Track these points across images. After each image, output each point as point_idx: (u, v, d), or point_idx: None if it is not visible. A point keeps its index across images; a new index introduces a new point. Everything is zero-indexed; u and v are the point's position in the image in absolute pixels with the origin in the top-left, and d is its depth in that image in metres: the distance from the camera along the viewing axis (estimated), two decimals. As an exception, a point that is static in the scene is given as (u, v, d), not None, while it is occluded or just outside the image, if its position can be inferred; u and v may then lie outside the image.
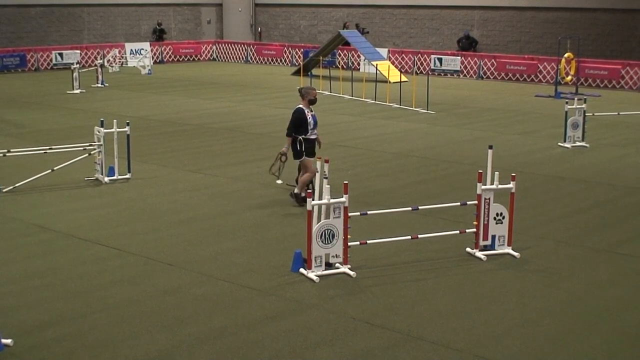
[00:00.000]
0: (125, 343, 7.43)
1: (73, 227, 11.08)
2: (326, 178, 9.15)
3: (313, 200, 9.11)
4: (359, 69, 31.58)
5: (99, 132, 13.47)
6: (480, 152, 15.69)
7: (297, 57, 34.89)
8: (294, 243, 10.01)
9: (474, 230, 9.91)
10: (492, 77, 30.66)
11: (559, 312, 8.25)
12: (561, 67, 26.76)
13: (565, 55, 26.72)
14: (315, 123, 12.05)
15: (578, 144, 17.11)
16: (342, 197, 9.10)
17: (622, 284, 9.09)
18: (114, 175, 13.67)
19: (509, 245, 10.01)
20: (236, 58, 38.01)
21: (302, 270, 9.20)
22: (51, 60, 33.12)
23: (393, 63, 31.17)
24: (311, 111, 12.04)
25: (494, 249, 9.95)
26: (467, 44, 33.47)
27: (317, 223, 9.12)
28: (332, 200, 9.08)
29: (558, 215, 11.89)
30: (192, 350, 7.29)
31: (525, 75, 29.91)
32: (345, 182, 9.24)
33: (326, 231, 9.08)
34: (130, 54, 35.15)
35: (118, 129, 13.63)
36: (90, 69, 29.95)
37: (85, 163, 13.62)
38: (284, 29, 40.21)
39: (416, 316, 8.10)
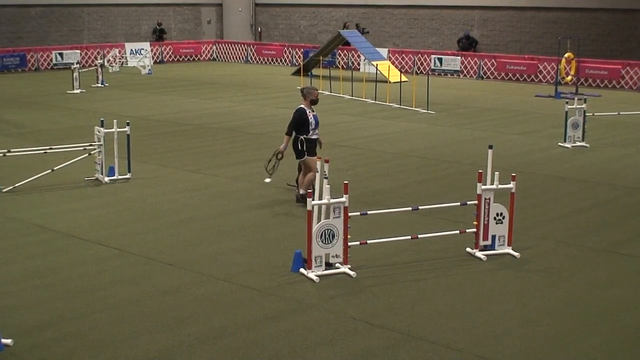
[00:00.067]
0: (125, 343, 7.43)
1: (73, 227, 11.08)
2: (326, 178, 9.15)
3: (313, 200, 9.11)
4: (359, 69, 31.59)
5: (99, 132, 13.47)
6: (481, 152, 15.69)
7: (297, 57, 34.89)
8: (294, 243, 10.01)
9: (474, 230, 9.91)
10: (492, 77, 30.67)
11: (559, 312, 8.25)
12: (561, 67, 26.76)
13: (566, 55, 26.73)
14: (317, 123, 12.05)
15: (578, 144, 17.11)
16: (342, 197, 9.11)
17: (622, 284, 9.09)
18: (114, 175, 13.67)
19: (509, 245, 10.01)
20: (236, 58, 38.02)
21: (302, 270, 9.20)
22: (51, 60, 33.13)
23: (393, 63, 31.17)
24: (313, 111, 12.04)
25: (494, 249, 9.95)
26: (467, 44, 33.47)
27: (317, 223, 9.12)
28: (332, 200, 9.08)
29: (558, 215, 11.89)
30: (192, 351, 7.29)
31: (525, 75, 29.91)
32: (345, 182, 9.24)
33: (326, 231, 9.08)
34: (131, 54, 35.15)
35: (118, 129, 13.63)
36: (90, 69, 29.95)
37: (85, 163, 13.62)
38: (284, 29, 40.22)
39: (416, 316, 8.10)
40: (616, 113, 19.84)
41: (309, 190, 9.35)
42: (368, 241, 9.64)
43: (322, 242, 9.09)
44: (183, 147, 16.96)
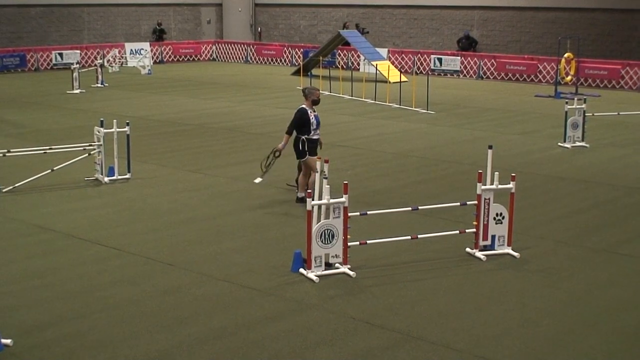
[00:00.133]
0: (124, 343, 7.43)
1: (73, 227, 11.08)
2: (326, 178, 9.15)
3: (313, 200, 9.12)
4: (358, 69, 31.58)
5: (98, 132, 13.47)
6: (480, 152, 15.69)
7: (297, 57, 34.89)
8: (294, 243, 10.01)
9: (474, 230, 9.91)
10: (491, 77, 30.67)
11: (558, 312, 8.25)
12: (561, 67, 26.76)
13: (565, 55, 26.73)
14: (318, 123, 12.06)
15: (578, 144, 17.11)
16: (342, 197, 9.11)
17: (622, 284, 9.09)
18: (113, 176, 13.67)
19: (508, 245, 10.01)
20: (236, 58, 38.02)
21: (301, 270, 9.20)
22: (51, 60, 33.12)
23: (393, 63, 31.17)
24: (314, 111, 12.04)
25: (494, 249, 9.96)
26: (467, 44, 33.47)
27: (317, 223, 9.12)
28: (331, 201, 9.08)
29: (558, 215, 11.90)
30: (191, 351, 7.29)
31: (525, 75, 29.91)
32: (345, 182, 9.24)
33: (326, 231, 9.08)
34: (130, 54, 35.15)
35: (118, 129, 13.63)
36: (90, 69, 29.95)
37: (85, 163, 13.62)
38: (283, 29, 40.22)
39: (416, 316, 8.10)
40: (616, 113, 19.85)
41: (308, 191, 9.35)
42: (368, 241, 9.64)
43: (322, 242, 9.09)
44: (183, 147, 16.96)
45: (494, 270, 9.46)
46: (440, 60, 31.96)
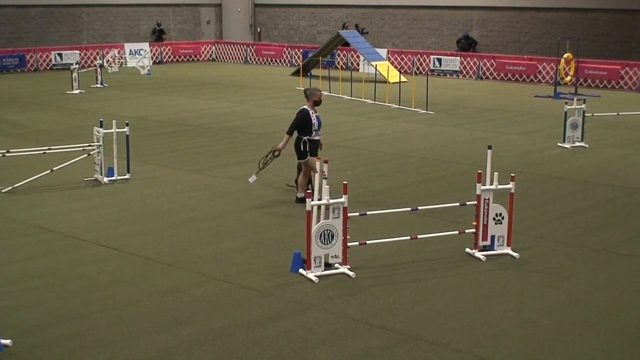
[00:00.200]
0: (124, 343, 7.43)
1: (72, 227, 11.08)
2: (325, 178, 9.15)
3: (312, 200, 9.12)
4: (358, 70, 31.58)
5: (98, 132, 13.47)
6: (480, 152, 15.69)
7: (296, 57, 34.90)
8: (294, 243, 10.01)
9: (474, 230, 9.91)
10: (491, 78, 30.67)
11: (558, 312, 8.25)
12: (560, 67, 26.77)
13: (565, 55, 26.73)
14: (320, 124, 12.06)
15: (577, 144, 17.11)
16: (342, 197, 9.11)
17: (622, 285, 9.09)
18: (113, 176, 13.67)
19: (508, 245, 10.01)
20: (235, 58, 38.02)
21: (301, 270, 9.20)
22: (50, 60, 33.12)
23: (392, 63, 31.18)
24: (315, 112, 12.04)
25: (493, 249, 9.96)
26: (467, 45, 33.48)
27: (317, 223, 9.12)
28: (331, 201, 9.08)
29: (557, 215, 11.90)
30: (191, 351, 7.29)
31: (524, 76, 29.92)
32: (344, 182, 9.24)
33: (325, 231, 9.08)
34: (130, 54, 35.15)
35: (117, 130, 13.63)
36: (89, 69, 29.97)
37: (84, 163, 13.62)
38: (283, 30, 40.22)
39: (415, 316, 8.10)
40: (615, 113, 19.85)
41: (308, 191, 9.35)
42: (367, 241, 9.64)
43: (322, 242, 9.09)
44: (182, 148, 16.96)
45: (494, 271, 9.47)
46: (439, 60, 31.97)
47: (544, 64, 29.42)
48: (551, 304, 8.48)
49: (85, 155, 13.56)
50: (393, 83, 25.78)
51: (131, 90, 27.07)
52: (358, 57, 32.34)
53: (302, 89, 24.08)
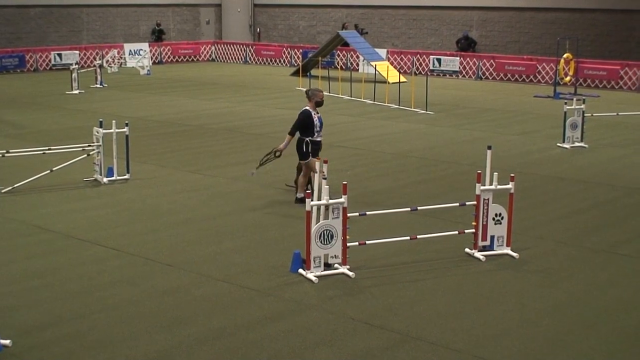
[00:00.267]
0: (124, 343, 7.43)
1: (72, 227, 11.07)
2: (325, 179, 9.15)
3: (312, 200, 9.12)
4: (357, 70, 31.58)
5: (97, 132, 13.47)
6: (479, 152, 15.69)
7: (296, 57, 34.90)
8: (293, 243, 10.00)
9: (473, 230, 9.91)
10: (491, 78, 30.68)
11: (558, 312, 8.25)
12: (560, 67, 26.77)
13: (564, 55, 26.74)
14: (321, 125, 12.05)
15: (577, 144, 17.12)
16: (341, 197, 9.11)
17: (621, 285, 9.09)
18: (112, 176, 13.67)
19: (507, 245, 10.01)
20: (235, 58, 38.02)
21: (301, 270, 9.20)
22: (50, 60, 33.12)
23: (392, 64, 31.18)
24: (317, 113, 12.02)
25: (493, 250, 9.96)
26: (466, 45, 33.48)
27: (316, 224, 9.12)
28: (331, 201, 9.08)
29: (557, 215, 11.90)
30: (191, 351, 7.29)
31: (524, 76, 29.93)
32: (344, 182, 9.24)
33: (325, 232, 9.08)
34: (129, 54, 35.14)
35: (117, 130, 13.63)
36: (89, 69, 29.97)
37: (84, 164, 13.62)
38: (283, 30, 40.22)
39: (415, 317, 8.10)
40: (615, 113, 19.85)
41: (307, 191, 9.35)
42: (367, 242, 9.64)
43: (321, 242, 9.09)
44: (182, 148, 16.96)
45: (493, 271, 9.47)
46: (439, 60, 31.98)
47: (544, 64, 29.43)
48: (551, 304, 8.48)
49: (85, 155, 13.56)
50: (393, 83, 25.78)
51: (131, 90, 27.07)
52: (358, 57, 32.34)
53: (302, 89, 24.09)
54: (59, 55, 33.30)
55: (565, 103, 17.49)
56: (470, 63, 31.28)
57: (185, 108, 22.81)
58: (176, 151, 16.58)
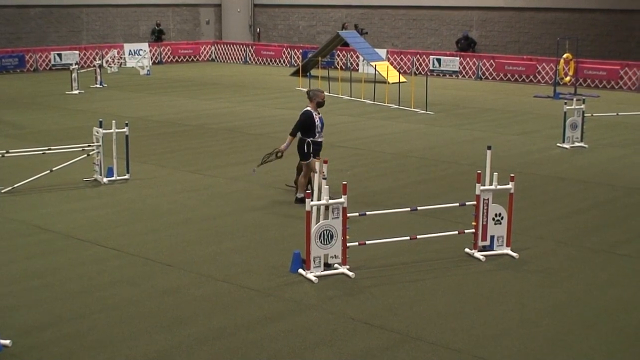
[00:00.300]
0: (124, 343, 7.43)
1: (72, 227, 11.07)
2: (325, 179, 9.15)
3: (312, 200, 9.12)
4: (357, 70, 31.59)
5: (97, 132, 13.47)
6: (479, 152, 15.69)
7: (295, 57, 34.90)
8: (293, 243, 10.00)
9: (473, 230, 9.91)
10: (490, 78, 30.68)
11: (558, 312, 8.25)
12: (560, 67, 26.77)
13: (564, 55, 26.74)
14: (323, 126, 12.04)
15: (577, 144, 17.12)
16: (341, 197, 9.11)
17: (621, 285, 9.09)
18: (112, 176, 13.67)
19: (507, 245, 10.01)
20: (235, 59, 38.02)
21: (300, 270, 9.20)
22: (50, 60, 33.12)
23: (392, 64, 31.18)
24: (318, 114, 12.01)
25: (493, 250, 9.96)
26: (466, 45, 33.48)
27: (316, 224, 9.12)
28: (330, 201, 9.08)
29: (557, 215, 11.90)
30: (191, 351, 7.29)
31: (524, 76, 29.93)
32: (344, 182, 9.24)
33: (325, 232, 9.08)
34: (129, 54, 35.15)
35: (117, 130, 13.63)
36: (89, 69, 29.97)
37: (84, 164, 13.62)
38: (282, 30, 40.22)
39: (415, 317, 8.10)
40: (615, 114, 19.85)
41: (307, 192, 9.35)
42: (367, 242, 9.64)
43: (321, 242, 9.09)
44: (182, 148, 16.96)
45: (493, 271, 9.47)
46: (439, 60, 31.98)
47: (544, 64, 29.43)
48: (551, 304, 8.48)
49: (85, 155, 13.56)
50: (392, 83, 25.78)
51: (130, 90, 27.07)
52: (357, 57, 32.34)
53: (302, 89, 24.11)
54: (59, 55, 33.30)
55: (565, 103, 17.49)
56: (470, 63, 31.28)
57: (185, 108, 22.81)
58: (176, 151, 16.58)
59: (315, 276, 9.05)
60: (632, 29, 30.56)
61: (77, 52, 33.74)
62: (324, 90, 12.71)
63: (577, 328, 7.87)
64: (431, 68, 31.83)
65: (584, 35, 30.39)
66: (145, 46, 35.87)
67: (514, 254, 9.89)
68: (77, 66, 26.70)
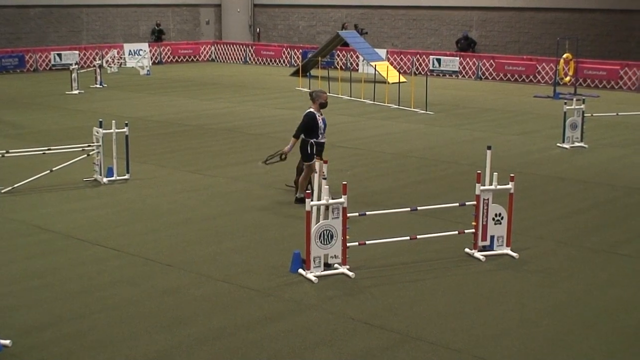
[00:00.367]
0: (124, 343, 7.43)
1: (72, 227, 11.07)
2: (325, 179, 9.15)
3: (312, 200, 9.11)
4: (357, 70, 31.59)
5: (97, 132, 13.47)
6: (479, 152, 15.69)
7: (295, 57, 34.90)
8: (293, 243, 10.00)
9: (473, 230, 9.91)
10: (490, 78, 30.68)
11: (558, 312, 8.25)
12: (560, 67, 26.77)
13: (564, 55, 26.73)
14: (325, 127, 12.03)
15: (577, 144, 17.12)
16: (341, 197, 9.11)
17: (621, 285, 9.09)
18: (112, 176, 13.67)
19: (507, 245, 10.01)
20: (235, 59, 38.02)
21: (300, 270, 9.20)
22: (50, 60, 33.12)
23: (392, 64, 31.18)
24: (321, 115, 12.00)
25: (493, 250, 9.96)
26: (466, 45, 33.48)
27: (316, 224, 9.12)
28: (330, 201, 9.08)
29: (557, 215, 11.90)
30: (191, 351, 7.29)
31: (523, 76, 29.93)
32: (344, 182, 9.24)
33: (325, 232, 9.08)
34: (129, 54, 35.15)
35: (117, 130, 13.63)
36: (89, 69, 29.97)
37: (84, 164, 13.62)
38: (282, 30, 40.22)
39: (415, 317, 8.10)
40: (615, 114, 19.85)
41: (307, 192, 9.35)
42: (367, 242, 9.64)
43: (321, 242, 9.09)
44: (182, 148, 16.96)
45: (493, 271, 9.47)
46: (439, 60, 31.98)
47: (543, 64, 29.43)
48: (551, 304, 8.48)
49: (85, 155, 13.56)
50: (392, 83, 25.79)
51: (130, 90, 27.07)
52: (357, 57, 32.34)
53: (302, 89, 24.14)
54: (59, 55, 33.31)
55: (565, 103, 17.49)
56: (470, 63, 31.29)
57: (185, 108, 22.81)
58: (176, 151, 16.58)
59: (315, 276, 9.05)
60: (632, 29, 30.56)
61: (77, 52, 33.75)
62: (326, 92, 12.69)
63: (577, 328, 7.87)
64: (431, 68, 31.83)
65: (584, 35, 30.39)
66: (145, 46, 35.88)
67: (514, 254, 9.89)
68: (77, 66, 26.71)
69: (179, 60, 37.53)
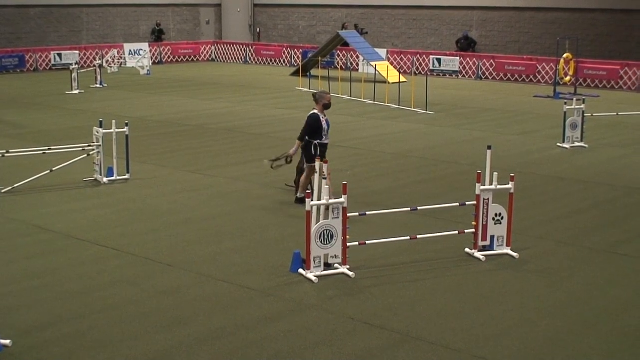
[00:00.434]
0: (124, 343, 7.43)
1: (72, 227, 11.07)
2: (325, 179, 9.15)
3: (312, 200, 9.11)
4: (357, 70, 31.59)
5: (97, 132, 13.47)
6: (479, 152, 15.69)
7: (296, 57, 34.90)
8: (293, 243, 10.01)
9: (473, 230, 9.91)
10: (490, 78, 30.68)
11: (558, 312, 8.25)
12: (560, 67, 26.77)
13: (564, 55, 26.74)
14: (329, 128, 12.02)
15: (577, 144, 17.12)
16: (341, 197, 9.11)
17: (621, 285, 9.09)
18: (112, 176, 13.67)
19: (508, 245, 10.01)
20: (235, 59, 38.02)
21: (301, 270, 9.20)
22: (50, 60, 33.12)
23: (392, 64, 31.18)
24: (325, 116, 11.98)
25: (493, 250, 9.95)
26: (466, 45, 33.48)
27: (316, 224, 9.12)
28: (330, 201, 9.08)
29: (557, 215, 11.90)
30: (191, 351, 7.29)
31: (524, 76, 29.93)
32: (344, 182, 9.24)
33: (325, 232, 9.08)
34: (129, 54, 35.15)
35: (117, 130, 13.63)
36: (89, 69, 29.98)
37: (84, 164, 13.62)
38: (282, 30, 40.22)
39: (415, 317, 8.10)
40: (615, 114, 19.84)
41: (307, 192, 9.35)
42: (367, 242, 9.64)
43: (321, 242, 9.09)
44: (182, 148, 16.96)
45: (493, 271, 9.47)
46: (439, 60, 31.98)
47: (544, 64, 29.43)
48: (551, 304, 8.48)
49: (85, 155, 13.56)
50: (392, 83, 25.79)
51: (131, 90, 27.07)
52: (357, 57, 32.34)
53: (302, 89, 24.16)
54: (59, 55, 33.31)
55: (565, 103, 17.49)
56: (470, 63, 31.28)
57: (185, 108, 22.80)
58: (176, 151, 16.58)
59: (315, 276, 9.05)
60: (632, 29, 30.55)
61: (77, 52, 33.75)
62: (329, 92, 12.69)
63: (577, 328, 7.87)
64: (431, 68, 31.83)
65: (584, 35, 30.38)
66: (145, 46, 35.88)
67: (514, 254, 9.89)
68: (77, 66, 26.71)
69: (179, 60, 37.54)
